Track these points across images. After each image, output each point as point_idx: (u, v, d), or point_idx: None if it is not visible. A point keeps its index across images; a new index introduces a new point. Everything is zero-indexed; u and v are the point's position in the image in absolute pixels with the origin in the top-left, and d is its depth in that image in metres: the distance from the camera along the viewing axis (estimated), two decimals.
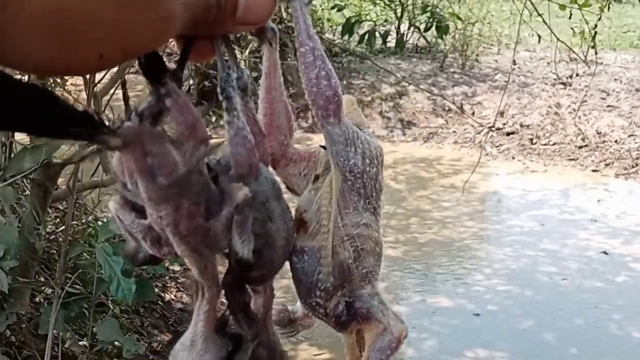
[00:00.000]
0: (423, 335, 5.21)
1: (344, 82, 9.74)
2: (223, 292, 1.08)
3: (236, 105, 0.99)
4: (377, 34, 11.26)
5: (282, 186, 1.14)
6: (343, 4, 11.54)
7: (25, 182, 2.62)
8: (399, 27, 11.62)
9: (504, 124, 9.28)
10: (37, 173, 2.30)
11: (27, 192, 2.52)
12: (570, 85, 10.03)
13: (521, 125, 9.27)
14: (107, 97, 3.07)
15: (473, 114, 9.41)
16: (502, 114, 9.24)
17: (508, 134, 9.19)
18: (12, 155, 2.30)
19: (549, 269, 6.17)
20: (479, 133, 9.26)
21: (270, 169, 1.14)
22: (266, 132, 1.13)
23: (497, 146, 9.00)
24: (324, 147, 1.21)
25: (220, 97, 1.00)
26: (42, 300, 3.11)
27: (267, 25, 1.08)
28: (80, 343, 3.00)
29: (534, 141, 9.02)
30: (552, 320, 5.38)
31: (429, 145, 9.32)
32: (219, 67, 0.99)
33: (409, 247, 6.62)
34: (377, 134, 9.73)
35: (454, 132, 9.46)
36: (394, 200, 7.67)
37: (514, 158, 8.78)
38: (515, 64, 10.58)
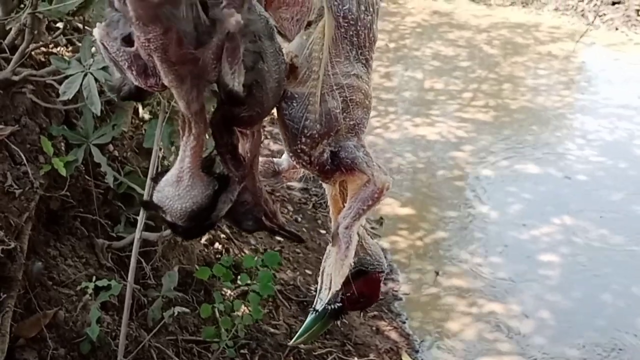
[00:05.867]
0: (509, 199, 5.15)
1: None
2: (211, 131, 1.07)
3: None
4: None
5: None
6: None
7: None
8: None
9: None
10: None
11: None
12: None
13: None
14: None
15: None
16: None
17: (613, 3, 8.66)
18: None
19: None
20: (582, 1, 8.76)
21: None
22: None
23: (600, 15, 8.51)
24: None
25: None
26: (144, 119, 3.17)
27: None
28: None
29: None
30: None
31: (528, 11, 8.88)
32: None
33: (500, 113, 6.46)
34: None
35: None
36: (487, 65, 7.43)
37: (617, 29, 8.31)
38: None
